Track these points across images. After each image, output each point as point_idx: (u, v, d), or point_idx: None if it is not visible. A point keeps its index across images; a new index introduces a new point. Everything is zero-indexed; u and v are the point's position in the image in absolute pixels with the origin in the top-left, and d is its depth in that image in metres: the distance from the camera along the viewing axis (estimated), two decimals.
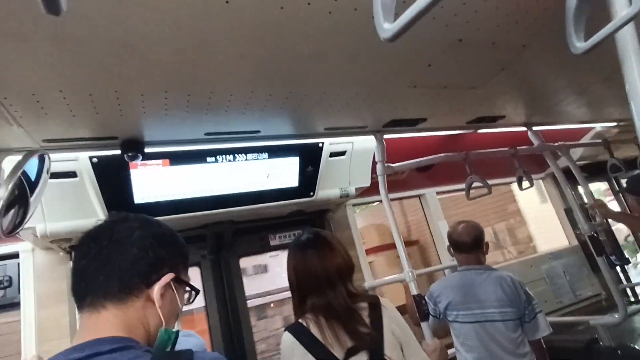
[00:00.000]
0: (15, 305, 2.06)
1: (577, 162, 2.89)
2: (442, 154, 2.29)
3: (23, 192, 1.29)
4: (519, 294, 1.94)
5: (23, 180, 1.27)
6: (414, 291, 1.96)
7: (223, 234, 2.32)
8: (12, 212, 1.25)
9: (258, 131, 1.73)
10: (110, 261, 0.75)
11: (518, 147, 2.50)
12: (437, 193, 3.30)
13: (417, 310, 1.74)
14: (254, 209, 2.13)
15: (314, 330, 1.19)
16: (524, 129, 2.62)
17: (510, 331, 1.88)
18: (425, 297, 2.02)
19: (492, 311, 1.91)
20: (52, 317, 1.98)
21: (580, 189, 3.44)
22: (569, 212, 3.73)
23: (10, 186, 1.15)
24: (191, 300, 0.89)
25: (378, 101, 1.69)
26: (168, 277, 0.78)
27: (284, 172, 2.12)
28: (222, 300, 2.34)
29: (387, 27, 0.71)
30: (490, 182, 2.36)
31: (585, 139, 3.21)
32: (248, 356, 2.27)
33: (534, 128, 2.62)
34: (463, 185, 2.42)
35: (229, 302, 2.34)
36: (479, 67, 1.56)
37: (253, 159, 1.99)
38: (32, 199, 1.33)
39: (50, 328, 1.97)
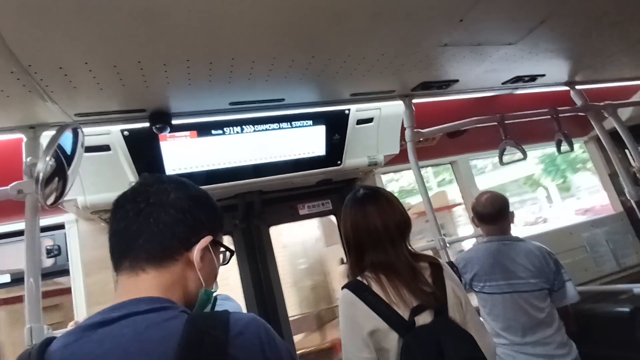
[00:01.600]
0: (65, 271, 2.23)
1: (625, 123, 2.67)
2: (475, 118, 2.18)
3: (61, 165, 1.35)
4: (547, 264, 1.89)
5: (60, 154, 1.33)
6: (446, 259, 1.94)
7: (253, 203, 2.37)
8: (52, 184, 1.32)
9: (282, 99, 1.71)
10: (149, 224, 0.74)
11: (559, 108, 2.34)
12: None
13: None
14: (282, 178, 2.14)
15: (376, 288, 1.15)
16: (564, 88, 2.44)
17: (539, 301, 1.85)
18: None
19: (520, 282, 1.87)
20: (98, 282, 2.12)
21: (628, 153, 3.20)
22: (613, 177, 3.51)
23: (47, 159, 1.21)
24: (226, 261, 0.88)
25: (406, 63, 1.62)
26: (207, 240, 0.78)
27: (311, 141, 2.10)
28: (255, 267, 2.41)
29: None
30: (525, 147, 2.24)
31: (636, 98, 2.95)
32: (281, 319, 2.35)
33: (577, 87, 2.43)
34: (497, 151, 2.31)
35: (261, 268, 2.41)
36: (517, 20, 1.44)
37: (279, 128, 1.97)
38: (69, 172, 1.39)
39: (97, 293, 2.12)
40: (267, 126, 1.94)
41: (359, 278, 1.20)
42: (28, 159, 1.34)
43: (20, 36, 0.95)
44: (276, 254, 2.48)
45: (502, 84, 2.12)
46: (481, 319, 1.99)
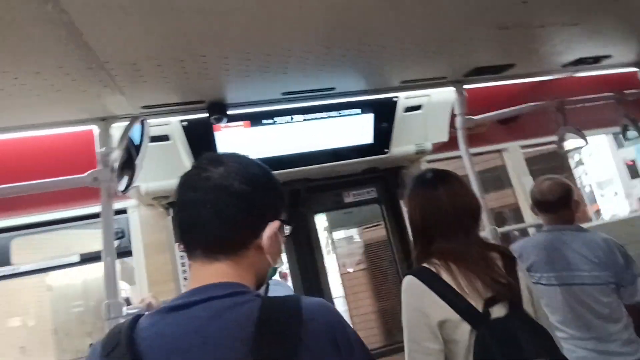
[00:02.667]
0: (128, 252, 2.40)
1: None
2: (531, 104, 2.08)
3: (130, 154, 1.45)
4: (614, 256, 1.76)
5: (129, 144, 1.43)
6: None
7: (299, 191, 2.42)
8: (124, 172, 1.43)
9: (333, 88, 1.72)
10: (216, 215, 0.74)
11: (625, 91, 2.17)
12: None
13: None
14: (329, 166, 2.17)
15: (446, 276, 1.08)
16: (632, 69, 2.26)
17: (602, 295, 1.74)
18: None
19: (581, 274, 1.77)
20: (158, 263, 2.27)
21: None
22: None
23: (122, 149, 1.30)
24: (288, 232, 0.87)
25: (459, 48, 1.57)
26: (275, 226, 0.78)
27: (359, 129, 2.11)
28: (302, 254, 2.47)
29: None
30: (586, 133, 2.11)
31: None
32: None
33: None
34: (551, 139, 2.19)
35: (307, 255, 2.47)
36: None
37: (328, 117, 1.99)
38: (137, 161, 1.50)
39: (157, 273, 2.27)
40: (316, 115, 1.97)
41: (425, 265, 1.13)
42: (102, 149, 1.45)
43: (100, 34, 1.01)
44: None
45: (562, 66, 2.00)
46: None
